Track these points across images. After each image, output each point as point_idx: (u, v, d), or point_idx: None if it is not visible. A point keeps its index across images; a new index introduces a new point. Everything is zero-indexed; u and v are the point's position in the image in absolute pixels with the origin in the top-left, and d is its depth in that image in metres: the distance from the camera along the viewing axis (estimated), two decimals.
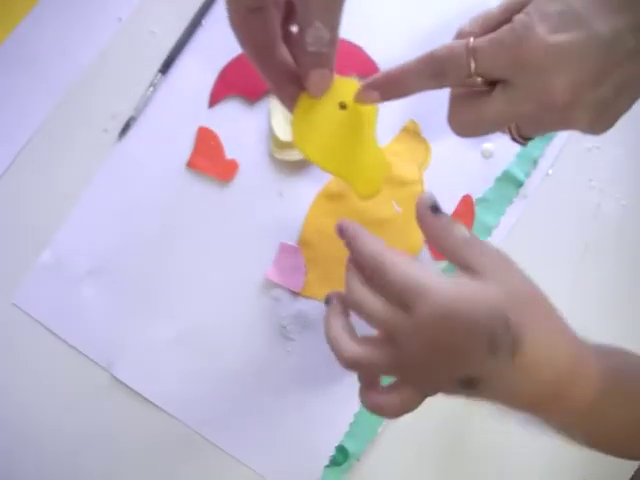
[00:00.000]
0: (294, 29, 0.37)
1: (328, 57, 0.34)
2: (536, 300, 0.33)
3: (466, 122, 0.35)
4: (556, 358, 0.32)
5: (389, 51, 0.55)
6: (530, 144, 0.53)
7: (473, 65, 0.32)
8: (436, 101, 0.54)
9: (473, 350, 0.30)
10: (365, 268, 0.34)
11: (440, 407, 0.50)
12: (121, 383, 0.51)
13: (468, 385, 0.31)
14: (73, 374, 0.51)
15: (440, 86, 0.35)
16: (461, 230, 0.32)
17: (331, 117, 0.37)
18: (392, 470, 0.50)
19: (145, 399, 0.51)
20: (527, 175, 0.53)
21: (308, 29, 0.32)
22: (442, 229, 0.33)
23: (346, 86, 0.37)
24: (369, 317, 0.34)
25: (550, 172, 0.53)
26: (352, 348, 0.34)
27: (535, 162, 0.53)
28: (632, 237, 0.53)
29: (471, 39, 0.33)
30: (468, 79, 0.33)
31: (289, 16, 0.36)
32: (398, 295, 0.32)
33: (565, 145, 0.54)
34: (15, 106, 0.56)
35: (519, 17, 0.32)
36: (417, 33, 0.56)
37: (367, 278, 0.34)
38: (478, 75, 0.33)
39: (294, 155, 0.53)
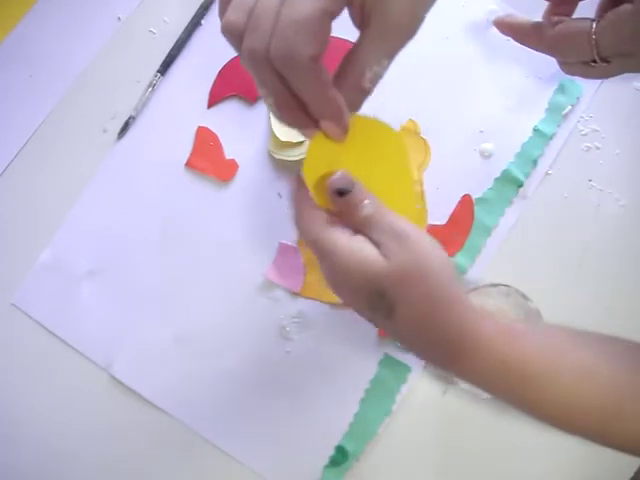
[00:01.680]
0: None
1: (366, 97, 0.33)
2: (420, 279, 0.34)
3: (575, 74, 0.41)
4: (437, 325, 0.35)
5: None
6: (529, 144, 0.53)
7: (595, 51, 0.37)
8: (436, 101, 0.55)
9: (360, 300, 0.35)
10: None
11: (439, 407, 0.50)
12: (120, 383, 0.51)
13: (383, 310, 0.35)
14: (72, 374, 0.51)
15: (554, 55, 0.40)
16: (364, 209, 0.34)
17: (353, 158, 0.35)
18: (391, 470, 0.50)
19: (144, 399, 0.51)
20: (526, 175, 0.53)
21: (374, 65, 0.31)
22: (347, 209, 0.35)
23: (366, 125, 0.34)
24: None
25: (549, 172, 0.53)
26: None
27: (535, 162, 0.53)
28: (631, 237, 0.53)
29: (593, 26, 0.36)
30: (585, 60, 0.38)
31: None
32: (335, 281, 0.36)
33: (564, 145, 0.53)
34: (15, 106, 0.56)
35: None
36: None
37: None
38: (600, 59, 0.37)
39: (293, 155, 0.53)
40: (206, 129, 0.54)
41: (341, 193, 0.34)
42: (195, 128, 0.54)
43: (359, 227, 0.35)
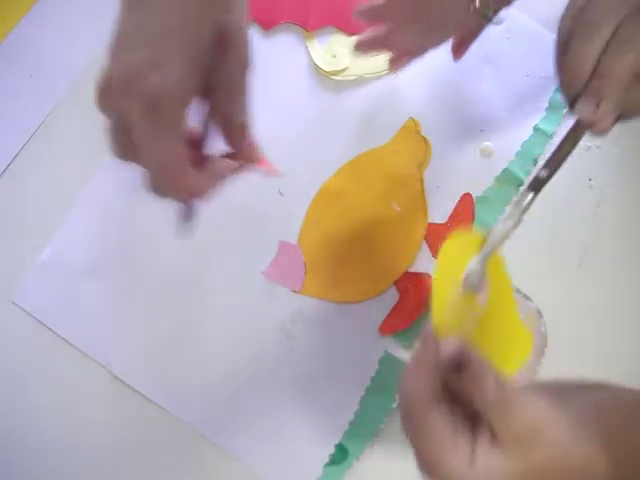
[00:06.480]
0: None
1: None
2: (555, 471, 0.30)
3: None
4: None
5: None
6: (530, 143, 0.53)
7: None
8: (436, 100, 0.55)
9: None
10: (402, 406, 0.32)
11: None
12: (120, 381, 0.51)
13: None
14: (72, 372, 0.51)
15: None
16: (489, 388, 0.30)
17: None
18: (392, 469, 0.50)
19: (144, 397, 0.51)
20: (527, 174, 0.53)
21: (241, 114, 0.38)
22: (470, 387, 0.30)
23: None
24: None
25: None
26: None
27: (535, 161, 0.53)
28: (632, 237, 0.53)
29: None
30: None
31: None
32: (417, 462, 0.31)
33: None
34: (15, 106, 0.56)
35: None
36: None
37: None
38: None
39: (347, 75, 0.56)
40: None
41: (459, 369, 0.30)
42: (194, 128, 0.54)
43: (479, 408, 0.30)
